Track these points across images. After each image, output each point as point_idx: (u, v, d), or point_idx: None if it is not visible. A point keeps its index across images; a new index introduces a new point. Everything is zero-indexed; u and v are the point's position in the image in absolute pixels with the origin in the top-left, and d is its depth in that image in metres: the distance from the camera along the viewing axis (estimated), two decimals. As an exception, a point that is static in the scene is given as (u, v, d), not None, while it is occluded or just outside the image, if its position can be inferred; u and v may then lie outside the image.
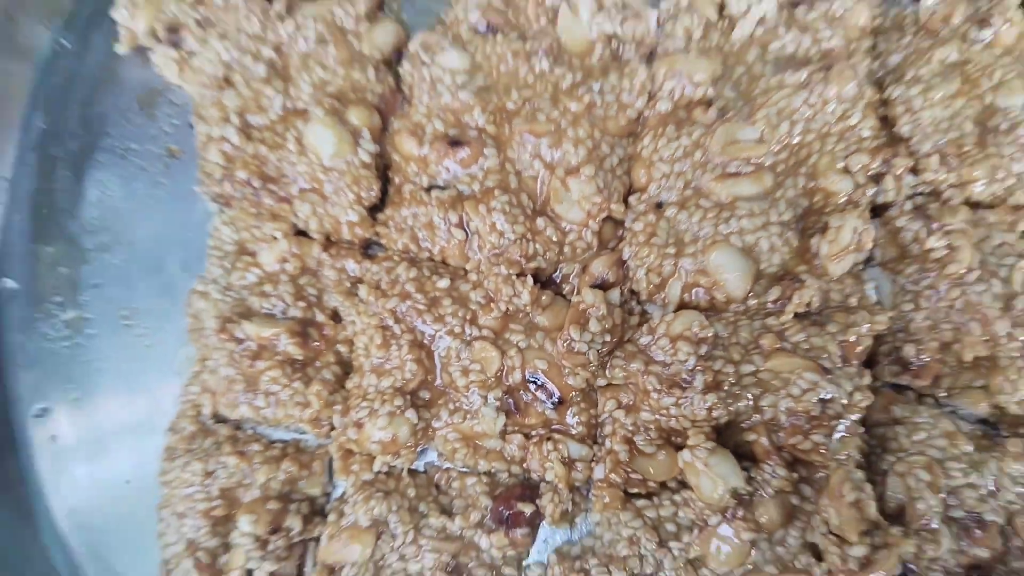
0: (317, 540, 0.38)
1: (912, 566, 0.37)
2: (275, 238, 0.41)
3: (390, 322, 0.38)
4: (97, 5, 0.47)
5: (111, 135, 0.45)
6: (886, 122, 0.40)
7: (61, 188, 0.45)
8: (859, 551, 0.34)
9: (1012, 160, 0.38)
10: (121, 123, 0.46)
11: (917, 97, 0.40)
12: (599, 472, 0.37)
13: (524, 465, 0.38)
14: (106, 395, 0.42)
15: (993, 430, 0.38)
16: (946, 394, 0.38)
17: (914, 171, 0.39)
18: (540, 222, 0.39)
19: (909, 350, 0.38)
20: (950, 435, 0.36)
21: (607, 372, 0.38)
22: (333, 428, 0.39)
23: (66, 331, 0.43)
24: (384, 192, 0.41)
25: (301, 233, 0.41)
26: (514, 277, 0.38)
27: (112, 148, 0.45)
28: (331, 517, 0.38)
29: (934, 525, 0.36)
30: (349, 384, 0.39)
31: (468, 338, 0.38)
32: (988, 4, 0.41)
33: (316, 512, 0.39)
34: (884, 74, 0.42)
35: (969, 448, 0.36)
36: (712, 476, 0.35)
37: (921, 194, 0.40)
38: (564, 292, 0.40)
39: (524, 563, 0.38)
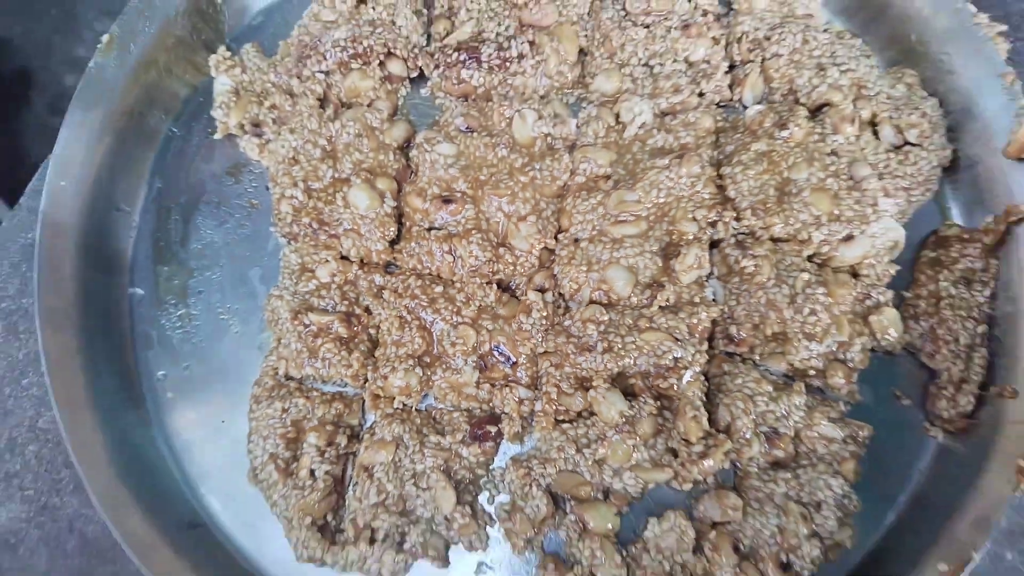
0: (355, 455, 0.58)
1: (737, 463, 0.57)
2: (327, 260, 0.61)
3: (404, 314, 0.58)
4: (198, 106, 0.68)
5: (208, 192, 0.64)
6: (720, 188, 0.62)
7: (174, 228, 0.64)
8: (698, 448, 0.55)
9: (798, 212, 0.61)
10: (215, 185, 0.65)
11: (739, 174, 0.61)
12: (539, 406, 0.57)
13: (491, 403, 0.58)
14: (207, 366, 0.61)
15: (787, 379, 0.60)
16: (759, 357, 0.59)
17: (736, 219, 0.61)
18: (501, 251, 0.60)
19: (733, 330, 0.59)
20: (757, 381, 0.57)
21: (543, 344, 0.59)
22: (366, 381, 0.58)
23: (179, 324, 0.62)
24: (399, 232, 0.62)
25: (344, 258, 0.61)
26: (485, 285, 0.59)
27: (209, 201, 0.64)
28: (365, 437, 0.58)
29: (748, 436, 0.56)
30: (377, 353, 0.59)
31: (455, 323, 0.58)
32: (787, 113, 0.64)
33: (355, 436, 0.58)
34: (721, 157, 0.64)
35: (769, 388, 0.57)
36: (608, 405, 0.56)
37: (741, 233, 0.61)
38: (517, 295, 0.61)
39: (491, 466, 0.58)
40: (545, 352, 0.57)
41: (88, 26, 1.80)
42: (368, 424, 0.58)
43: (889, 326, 0.58)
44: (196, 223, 0.64)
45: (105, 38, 0.61)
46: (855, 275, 0.60)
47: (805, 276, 0.57)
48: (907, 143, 0.62)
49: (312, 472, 0.55)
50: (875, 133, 0.63)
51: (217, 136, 0.65)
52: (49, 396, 0.53)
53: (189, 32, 0.65)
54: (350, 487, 0.56)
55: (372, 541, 0.54)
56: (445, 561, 0.55)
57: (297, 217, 0.60)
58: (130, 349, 0.60)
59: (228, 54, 0.66)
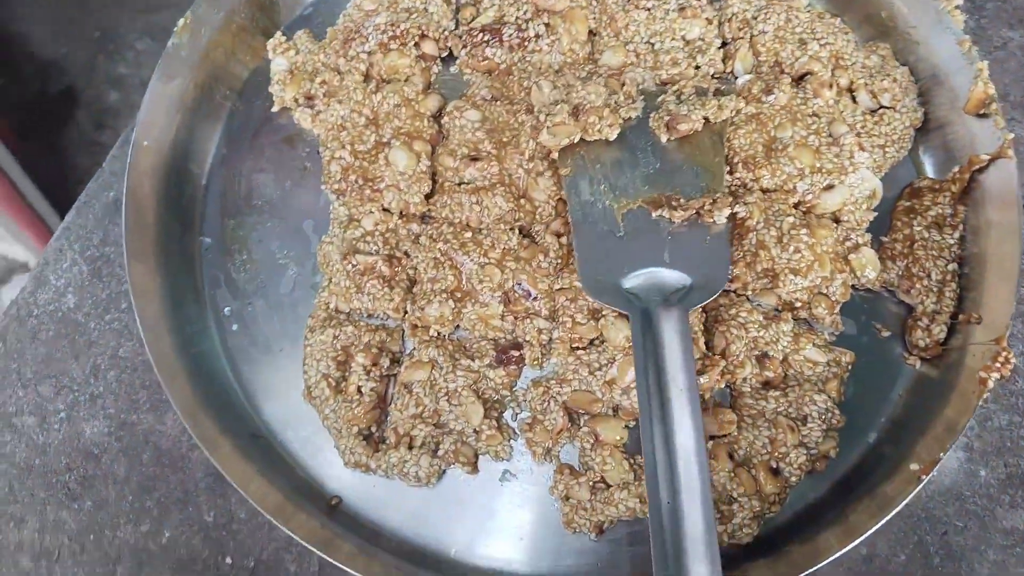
0: (396, 376, 0.66)
1: (731, 385, 0.65)
2: (371, 212, 0.69)
3: (438, 255, 0.67)
4: (257, 84, 0.78)
5: (267, 158, 0.73)
6: (716, 149, 0.71)
7: (238, 187, 0.71)
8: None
9: (784, 166, 0.68)
10: (273, 152, 0.73)
11: (731, 133, 0.70)
12: (556, 335, 0.66)
13: (514, 333, 0.66)
14: (267, 303, 0.68)
15: (777, 311, 0.67)
16: (751, 293, 0.67)
17: (730, 172, 0.70)
18: (523, 201, 0.68)
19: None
20: (749, 312, 0.64)
21: (559, 281, 0.67)
22: (406, 313, 0.67)
23: (242, 268, 0.69)
24: (433, 187, 0.71)
25: (386, 210, 0.70)
26: (508, 231, 0.68)
27: (267, 166, 0.73)
28: (405, 359, 0.66)
29: (740, 358, 0.64)
30: (415, 289, 0.67)
31: (482, 264, 0.66)
32: (773, 81, 0.72)
33: (396, 360, 0.66)
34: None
35: (760, 318, 0.65)
36: (616, 331, 0.64)
37: (733, 185, 0.70)
38: (537, 240, 0.69)
39: (514, 387, 0.66)
40: (561, 288, 0.65)
41: (129, 46, 1.93)
42: (408, 350, 0.66)
43: (867, 264, 0.65)
44: (257, 183, 0.73)
45: (180, 22, 0.70)
46: (837, 221, 0.67)
47: (791, 219, 0.65)
48: (881, 107, 0.70)
49: (359, 389, 0.63)
50: (853, 99, 0.70)
51: (274, 109, 0.74)
52: (136, 323, 0.61)
53: (249, 20, 0.75)
54: (392, 402, 0.63)
55: (411, 447, 0.62)
56: (475, 468, 0.63)
57: (345, 175, 0.69)
58: (202, 288, 0.69)
59: (283, 39, 0.75)
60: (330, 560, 0.55)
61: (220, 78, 0.74)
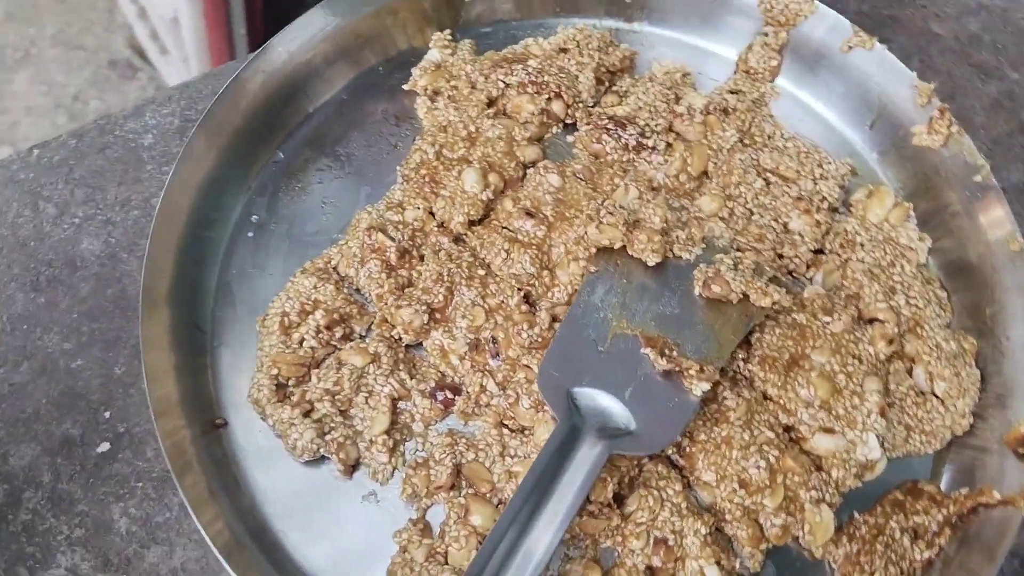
0: (337, 351, 0.67)
1: (618, 549, 0.61)
2: (418, 208, 0.72)
3: (444, 273, 0.68)
4: (405, 60, 0.82)
5: (375, 121, 0.78)
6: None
7: (336, 129, 0.77)
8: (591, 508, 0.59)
9: (798, 385, 0.64)
10: (382, 118, 0.77)
11: (769, 330, 0.67)
12: (495, 401, 0.65)
13: (462, 379, 0.66)
14: (290, 228, 0.71)
15: (705, 511, 0.62)
16: (692, 478, 0.63)
17: (744, 361, 0.66)
18: (545, 273, 0.68)
19: (685, 443, 0.64)
20: (678, 492, 0.60)
21: (529, 358, 0.65)
22: (385, 302, 0.68)
23: (292, 191, 0.73)
24: (481, 220, 0.72)
25: (431, 213, 0.72)
26: (516, 289, 0.67)
27: (371, 127, 0.78)
28: (355, 342, 0.67)
29: (640, 529, 0.60)
30: (406, 291, 0.68)
31: (475, 302, 0.67)
32: (840, 305, 0.68)
33: (347, 338, 0.67)
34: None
35: (684, 505, 0.61)
36: (545, 431, 0.62)
37: (738, 374, 0.67)
38: (534, 311, 0.69)
39: (430, 426, 0.65)
40: (526, 365, 0.64)
41: None
42: (364, 337, 0.67)
43: (821, 526, 0.60)
44: (352, 136, 0.78)
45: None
46: (818, 467, 0.62)
47: (771, 435, 0.61)
48: (933, 393, 0.65)
49: (302, 341, 0.65)
50: (909, 371, 0.66)
51: (406, 87, 0.80)
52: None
53: (433, 8, 0.81)
54: (319, 370, 0.64)
55: (306, 415, 0.62)
56: (349, 472, 0.63)
57: (419, 167, 0.72)
58: (247, 186, 0.74)
59: (449, 38, 0.81)
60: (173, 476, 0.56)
61: (378, 38, 0.80)
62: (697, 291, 0.64)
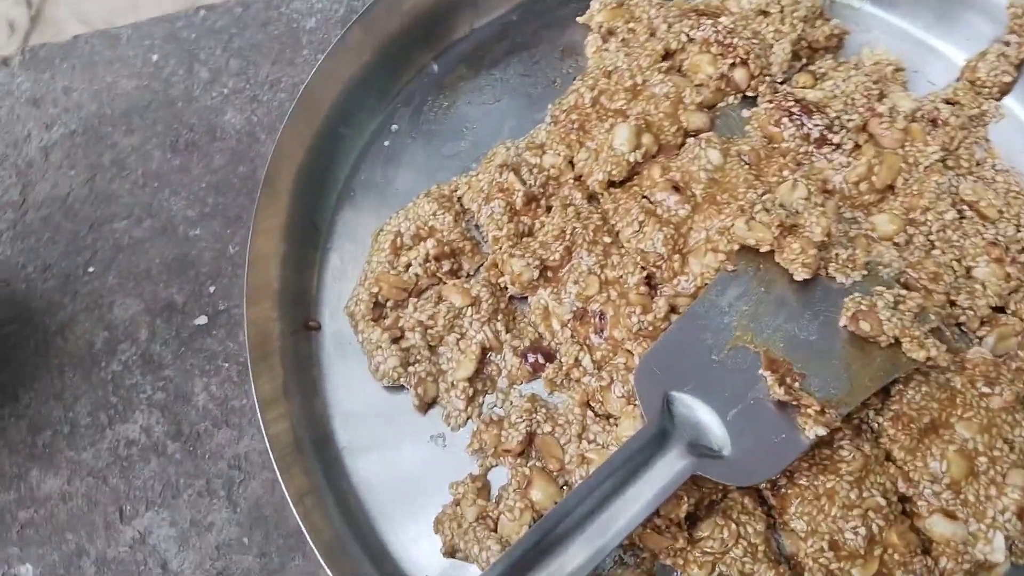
0: (443, 284, 0.65)
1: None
2: (558, 154, 0.67)
3: (568, 231, 0.64)
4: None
5: (539, 49, 0.74)
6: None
7: (496, 50, 0.74)
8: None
9: (929, 457, 0.56)
10: (547, 48, 0.74)
11: (915, 388, 0.59)
12: (587, 380, 0.61)
13: (558, 345, 0.63)
14: (425, 145, 0.70)
15: (784, 561, 0.57)
16: (779, 522, 0.58)
17: (877, 413, 0.59)
18: (676, 257, 0.62)
19: (783, 481, 0.58)
20: (758, 533, 0.56)
21: (633, 343, 0.61)
22: (498, 247, 0.65)
23: (436, 108, 0.71)
24: (623, 182, 0.67)
25: (571, 163, 0.68)
26: (639, 269, 0.62)
27: (534, 54, 0.74)
28: (460, 280, 0.65)
29: (707, 559, 0.56)
30: (525, 239, 0.65)
31: (592, 270, 0.62)
32: (1007, 380, 0.59)
33: (454, 273, 0.65)
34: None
35: (762, 549, 0.56)
36: (630, 426, 0.58)
37: (864, 424, 0.59)
38: (653, 295, 0.63)
39: (514, 385, 0.63)
40: (628, 350, 0.59)
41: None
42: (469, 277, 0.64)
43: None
44: (512, 61, 0.74)
45: None
46: (925, 551, 0.55)
47: (880, 501, 0.54)
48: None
49: (408, 266, 0.63)
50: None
51: (580, 19, 0.75)
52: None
53: (632, -62, 0.74)
54: (417, 297, 0.62)
55: (395, 341, 0.61)
56: (424, 409, 0.62)
57: (571, 110, 0.67)
58: (395, 89, 0.72)
59: (640, -27, 0.74)
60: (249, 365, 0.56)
61: None
62: (843, 322, 0.57)
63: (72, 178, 0.69)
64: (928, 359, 0.55)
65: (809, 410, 0.54)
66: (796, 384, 0.55)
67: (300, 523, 0.53)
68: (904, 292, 0.58)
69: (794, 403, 0.54)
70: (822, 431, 0.53)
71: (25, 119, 0.72)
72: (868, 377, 0.56)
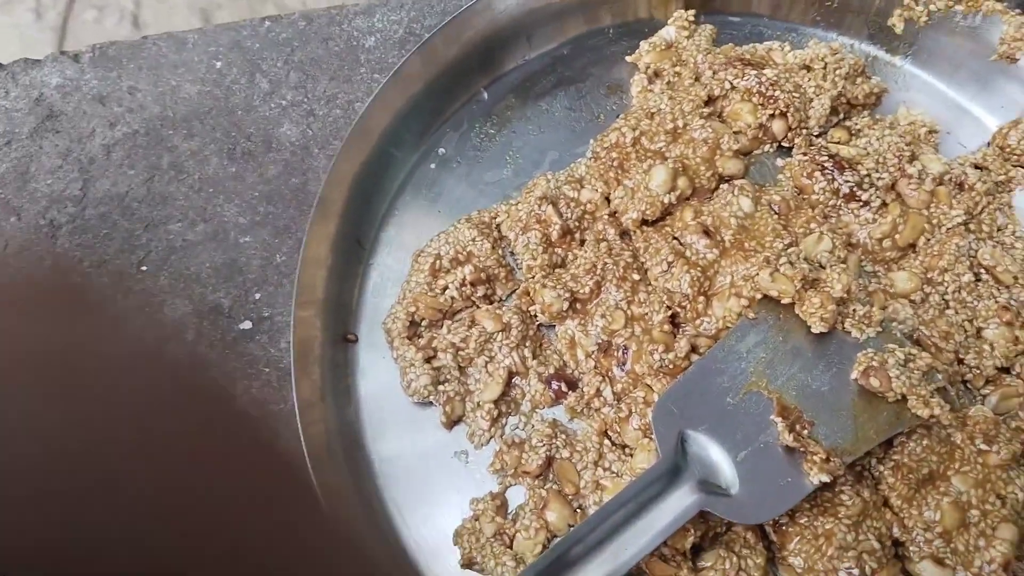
0: (476, 307, 0.70)
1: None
2: (596, 191, 0.72)
3: (598, 267, 0.68)
4: (636, 30, 0.81)
5: (587, 85, 0.79)
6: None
7: (545, 82, 0.79)
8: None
9: (924, 507, 0.61)
10: (593, 85, 0.78)
11: (916, 440, 0.63)
12: (605, 411, 0.66)
13: (582, 376, 0.67)
14: (467, 173, 0.75)
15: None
16: (778, 557, 0.62)
17: (879, 462, 0.63)
18: (701, 299, 0.67)
19: (784, 519, 0.63)
20: (758, 567, 0.61)
21: (653, 379, 0.65)
22: (531, 276, 0.69)
23: (480, 138, 0.76)
24: (656, 221, 0.71)
25: (607, 199, 0.72)
26: (664, 308, 0.67)
27: (581, 89, 0.78)
28: (493, 306, 0.69)
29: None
30: (558, 271, 0.70)
31: (619, 305, 0.67)
32: (1004, 439, 0.63)
33: (487, 299, 0.70)
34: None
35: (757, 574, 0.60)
36: (644, 459, 0.62)
37: (864, 472, 0.64)
38: (676, 333, 0.68)
39: (537, 409, 0.67)
40: (648, 385, 0.64)
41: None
42: (502, 302, 0.69)
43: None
44: (559, 93, 0.78)
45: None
46: (912, 593, 0.59)
47: (875, 544, 0.59)
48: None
49: (445, 288, 0.68)
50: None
51: (629, 58, 0.79)
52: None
53: (686, -17, 0.78)
54: (452, 319, 0.67)
55: (427, 360, 0.66)
56: (450, 425, 0.67)
57: (612, 148, 0.72)
58: (436, 128, 0.77)
59: (692, 19, 0.78)
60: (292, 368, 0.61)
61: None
62: (854, 375, 0.61)
63: (131, 177, 0.74)
64: (932, 417, 0.59)
65: (815, 457, 0.58)
66: (805, 432, 0.59)
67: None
68: (915, 351, 0.63)
69: (801, 449, 0.59)
70: (826, 478, 0.58)
71: (91, 116, 0.77)
72: (873, 430, 0.60)
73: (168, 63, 0.80)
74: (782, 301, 0.64)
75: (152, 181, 0.75)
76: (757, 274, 0.65)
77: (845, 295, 0.64)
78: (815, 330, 0.63)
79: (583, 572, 0.55)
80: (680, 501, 0.57)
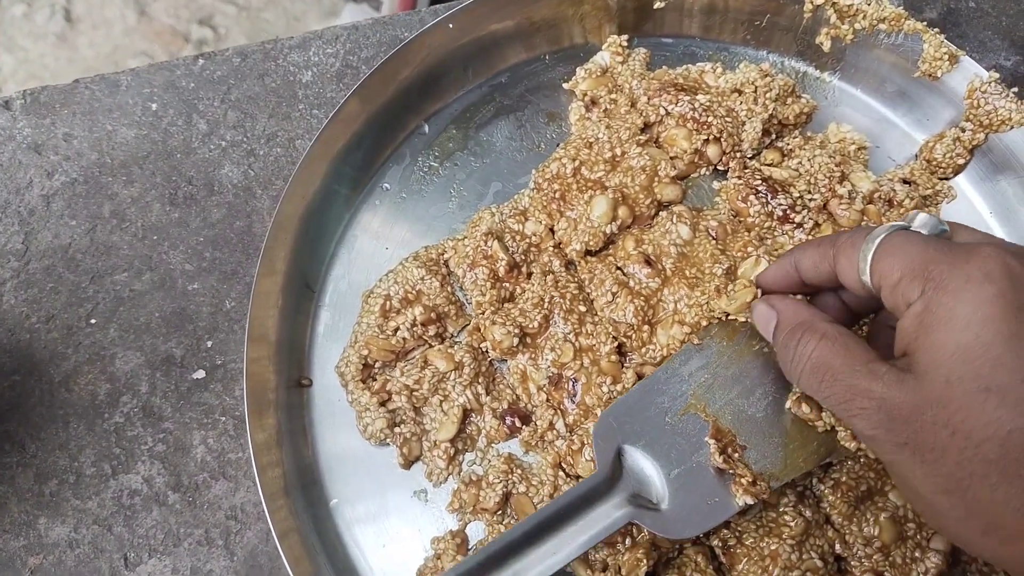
0: (429, 347, 0.71)
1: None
2: (540, 222, 0.73)
3: (546, 300, 0.70)
4: (572, 55, 0.82)
5: (525, 113, 0.79)
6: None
7: (483, 114, 0.79)
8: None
9: (864, 523, 0.64)
10: (531, 114, 0.79)
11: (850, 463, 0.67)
12: (559, 443, 0.67)
13: (534, 409, 0.69)
14: (415, 205, 0.76)
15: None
16: (727, 578, 0.65)
17: (820, 481, 0.66)
18: (646, 328, 0.69)
19: (732, 541, 0.66)
20: (708, 590, 0.64)
21: (603, 409, 0.67)
22: (481, 312, 0.71)
23: (424, 171, 0.77)
24: (598, 252, 0.73)
25: (552, 231, 0.74)
26: (612, 339, 0.69)
27: (520, 118, 0.79)
28: (445, 345, 0.71)
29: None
30: (507, 305, 0.71)
31: (568, 338, 0.69)
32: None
33: (440, 337, 0.71)
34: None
35: (709, 603, 0.63)
36: (598, 490, 0.64)
37: (809, 489, 0.67)
38: (623, 363, 0.70)
39: (493, 444, 0.69)
40: (597, 416, 0.66)
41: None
42: (454, 340, 0.70)
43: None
44: (498, 123, 0.79)
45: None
46: (856, 608, 0.63)
47: (819, 563, 0.62)
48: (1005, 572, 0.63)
49: (396, 329, 0.69)
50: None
51: (565, 85, 0.80)
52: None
53: (618, 6, 0.79)
54: (403, 361, 0.68)
55: (382, 403, 0.67)
56: (407, 465, 0.68)
57: (552, 181, 0.73)
58: (379, 163, 0.77)
59: (625, 43, 0.80)
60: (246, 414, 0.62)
61: (558, 25, 0.81)
62: (788, 404, 0.64)
63: (73, 228, 0.73)
64: (859, 450, 0.62)
65: (743, 480, 0.61)
66: (736, 455, 0.62)
67: (284, 559, 0.59)
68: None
69: (731, 472, 0.61)
70: (751, 500, 0.60)
71: (27, 166, 0.75)
72: (803, 458, 0.63)
73: (102, 107, 0.79)
74: (736, 325, 0.66)
75: (95, 231, 0.74)
76: (707, 302, 0.67)
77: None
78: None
79: (510, 571, 0.57)
80: (609, 512, 0.59)
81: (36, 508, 0.65)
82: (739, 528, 0.64)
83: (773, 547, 0.63)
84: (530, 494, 0.66)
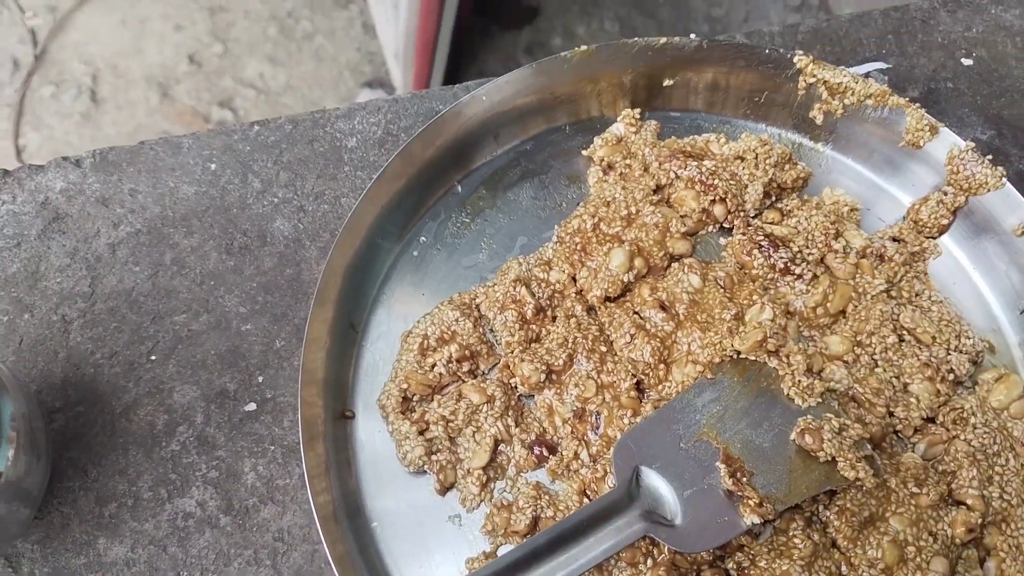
0: (462, 382, 0.76)
1: None
2: (563, 271, 0.80)
3: (569, 341, 0.76)
4: (588, 126, 0.90)
5: (548, 176, 0.87)
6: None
7: (510, 176, 0.86)
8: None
9: (867, 546, 0.68)
10: (554, 176, 0.87)
11: (852, 494, 0.71)
12: (584, 472, 0.72)
13: (560, 439, 0.74)
14: (447, 258, 0.82)
15: None
16: (742, 599, 0.69)
17: (825, 506, 0.71)
18: (662, 367, 0.75)
19: (740, 556, 0.70)
20: (724, 608, 0.68)
21: (625, 442, 0.73)
22: (510, 351, 0.77)
23: (456, 227, 0.83)
24: (617, 298, 0.79)
25: (573, 279, 0.80)
26: (630, 376, 0.75)
27: (543, 180, 0.86)
28: (477, 380, 0.76)
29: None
30: (534, 346, 0.77)
31: (590, 375, 0.74)
32: (932, 483, 0.72)
33: (472, 374, 0.77)
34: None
35: (726, 621, 0.67)
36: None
37: (817, 516, 0.71)
38: (641, 398, 0.75)
39: (522, 474, 0.74)
40: (619, 444, 0.71)
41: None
42: (486, 375, 0.76)
43: None
44: (525, 185, 0.86)
45: (584, 48, 0.84)
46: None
47: (818, 584, 0.66)
48: (1002, 593, 0.68)
49: (433, 365, 0.74)
50: (981, 561, 0.69)
51: (584, 152, 0.87)
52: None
53: (632, 84, 0.87)
54: (441, 394, 0.74)
55: (420, 432, 0.72)
56: (443, 491, 0.72)
57: (574, 233, 0.80)
58: (417, 219, 0.84)
59: (637, 116, 0.88)
60: (301, 443, 0.67)
61: (577, 100, 0.89)
62: (793, 435, 0.69)
63: (137, 273, 0.79)
64: (857, 479, 0.67)
65: (750, 501, 0.66)
66: (744, 479, 0.67)
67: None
68: (848, 422, 0.70)
69: (739, 493, 0.66)
70: (756, 520, 0.65)
71: (95, 217, 0.82)
72: (805, 485, 0.68)
73: (165, 166, 0.86)
74: (748, 363, 0.72)
75: (156, 276, 0.81)
76: (720, 341, 0.74)
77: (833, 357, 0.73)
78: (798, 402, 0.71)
79: (537, 574, 0.61)
80: (624, 526, 0.64)
81: (96, 529, 0.70)
82: (752, 551, 0.69)
83: (784, 568, 0.67)
84: (557, 518, 0.71)
